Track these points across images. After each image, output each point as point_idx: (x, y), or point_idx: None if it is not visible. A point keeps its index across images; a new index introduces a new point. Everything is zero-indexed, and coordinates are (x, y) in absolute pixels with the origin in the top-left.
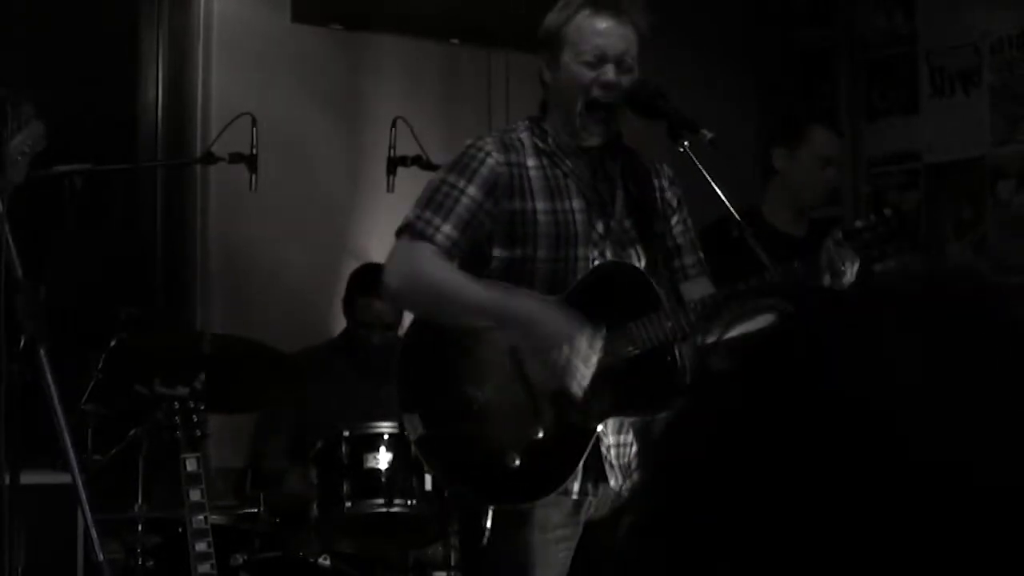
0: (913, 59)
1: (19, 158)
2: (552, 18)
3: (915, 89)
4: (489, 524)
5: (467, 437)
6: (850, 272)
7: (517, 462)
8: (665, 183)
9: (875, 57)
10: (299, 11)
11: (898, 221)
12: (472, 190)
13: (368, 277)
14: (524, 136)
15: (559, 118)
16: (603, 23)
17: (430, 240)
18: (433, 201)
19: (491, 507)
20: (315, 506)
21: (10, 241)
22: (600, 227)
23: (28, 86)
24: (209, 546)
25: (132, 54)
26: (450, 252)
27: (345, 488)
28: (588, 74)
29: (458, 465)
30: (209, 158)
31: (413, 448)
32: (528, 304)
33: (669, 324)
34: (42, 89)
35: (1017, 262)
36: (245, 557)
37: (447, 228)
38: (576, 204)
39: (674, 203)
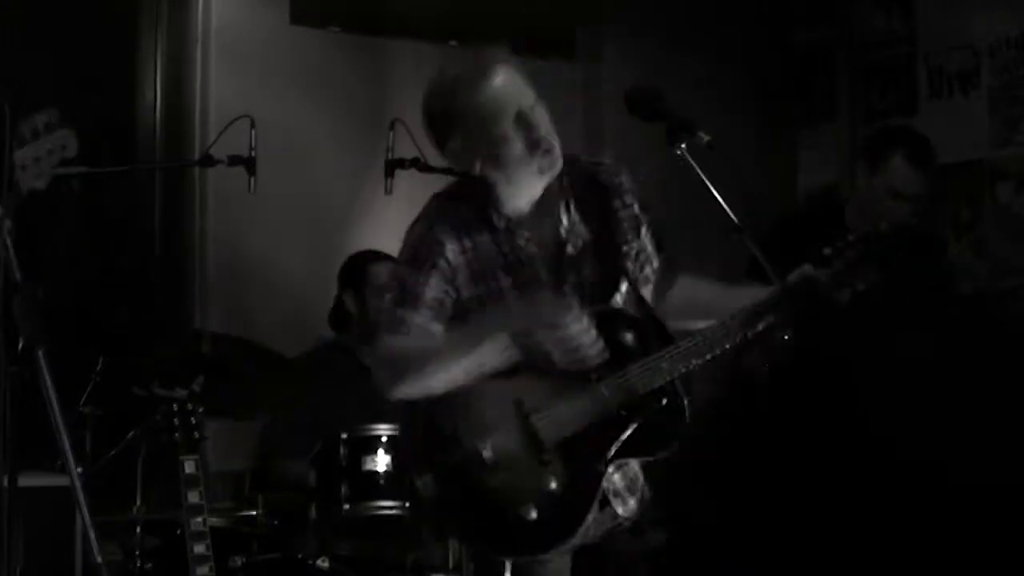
0: (912, 60)
1: (32, 163)
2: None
3: (914, 90)
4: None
5: (480, 494)
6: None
7: (534, 514)
8: (627, 198)
9: (874, 58)
10: (298, 13)
11: (866, 245)
12: (433, 282)
13: (349, 269)
14: (474, 210)
15: (502, 181)
16: (493, 85)
17: (405, 336)
18: (400, 298)
19: (510, 561)
20: (314, 508)
21: (9, 243)
22: (571, 278)
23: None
24: (208, 548)
25: (131, 56)
26: (423, 338)
27: (344, 490)
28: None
29: (474, 523)
30: (208, 160)
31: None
32: (502, 314)
33: (665, 366)
34: (42, 90)
35: (1016, 264)
36: (244, 559)
37: (417, 319)
38: (542, 274)
39: (636, 213)
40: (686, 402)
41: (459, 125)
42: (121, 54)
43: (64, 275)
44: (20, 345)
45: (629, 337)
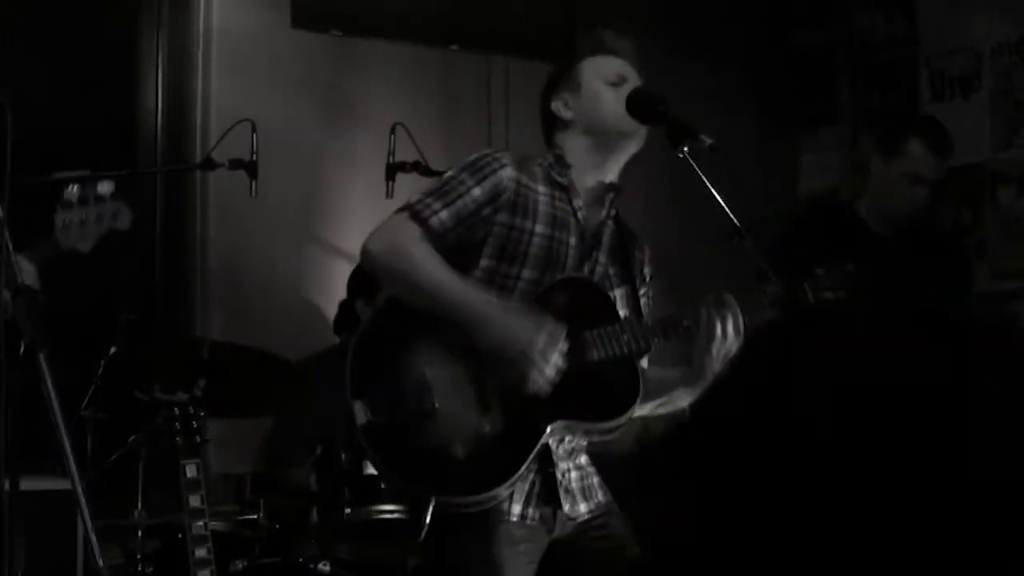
0: (913, 63)
1: (71, 225)
2: (559, 68)
3: (915, 93)
4: (428, 520)
5: (412, 427)
6: (727, 332)
7: (462, 455)
8: (645, 258)
9: (875, 61)
10: (299, 17)
11: (853, 279)
12: (477, 191)
13: (359, 276)
14: (538, 170)
15: (585, 146)
16: (616, 60)
17: (425, 220)
18: (439, 191)
19: (432, 501)
20: (315, 512)
21: (10, 246)
22: (586, 268)
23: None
24: (209, 552)
25: (132, 60)
26: (440, 237)
27: (345, 494)
28: (615, 92)
29: (400, 455)
30: (209, 164)
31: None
32: (491, 305)
33: (626, 337)
34: (42, 94)
35: (1016, 267)
36: (245, 563)
37: (444, 214)
38: (572, 240)
39: (647, 278)
40: (640, 372)
41: (566, 82)
42: (122, 57)
43: (65, 279)
44: (22, 348)
45: (597, 305)
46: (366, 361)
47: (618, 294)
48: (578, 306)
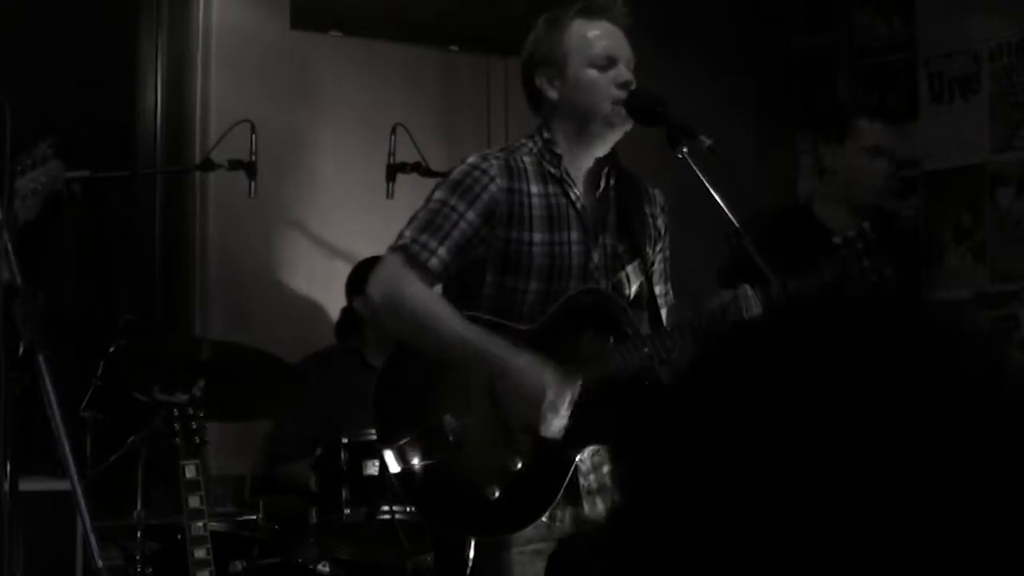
0: (912, 65)
1: (30, 195)
2: (544, 34)
3: (914, 95)
4: (472, 555)
5: (445, 470)
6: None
7: (496, 494)
8: (657, 210)
9: (874, 63)
10: (298, 17)
11: (876, 235)
12: (471, 215)
13: (358, 276)
14: (529, 160)
15: (572, 131)
16: (604, 27)
17: (424, 264)
18: (432, 224)
19: (472, 539)
20: (314, 512)
21: (9, 247)
22: (596, 257)
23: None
24: (208, 553)
25: (131, 60)
26: (440, 276)
27: (344, 495)
28: (603, 77)
29: (437, 499)
30: (208, 165)
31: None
32: (503, 351)
33: (646, 350)
34: (42, 94)
35: (1016, 268)
36: (244, 564)
37: (442, 252)
38: (574, 235)
39: (661, 231)
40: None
41: (550, 57)
42: (122, 58)
43: (65, 280)
44: (21, 350)
45: (612, 319)
46: (389, 406)
47: (629, 271)
48: (592, 324)
